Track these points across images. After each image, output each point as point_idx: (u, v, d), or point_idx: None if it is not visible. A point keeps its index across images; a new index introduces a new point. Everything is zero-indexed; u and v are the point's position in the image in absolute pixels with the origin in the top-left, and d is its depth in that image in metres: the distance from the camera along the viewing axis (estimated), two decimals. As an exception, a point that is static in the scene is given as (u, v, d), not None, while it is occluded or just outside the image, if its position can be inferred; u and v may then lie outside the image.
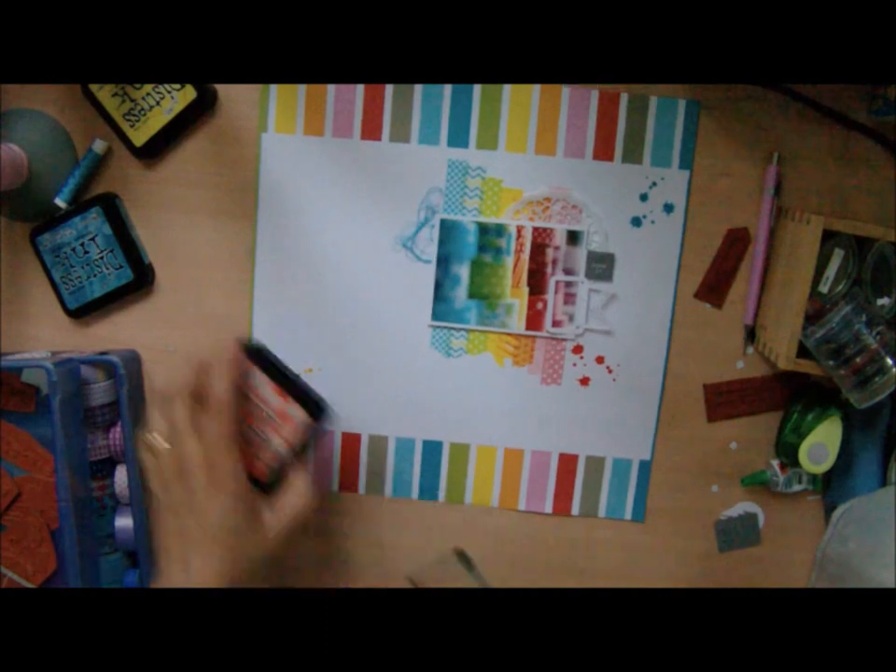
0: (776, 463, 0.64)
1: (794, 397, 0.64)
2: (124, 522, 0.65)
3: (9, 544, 0.65)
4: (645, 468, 0.66)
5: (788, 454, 0.63)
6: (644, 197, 0.63)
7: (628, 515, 0.67)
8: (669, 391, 0.65)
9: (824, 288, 0.58)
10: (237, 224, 0.65)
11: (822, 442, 0.61)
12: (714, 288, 0.63)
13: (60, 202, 0.64)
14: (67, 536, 0.60)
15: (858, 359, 0.56)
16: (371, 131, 0.63)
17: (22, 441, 0.65)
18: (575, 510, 0.67)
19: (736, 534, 0.66)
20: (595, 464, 0.66)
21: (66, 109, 0.64)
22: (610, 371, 0.65)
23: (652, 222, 0.63)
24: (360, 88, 0.63)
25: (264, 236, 0.65)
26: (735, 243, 0.62)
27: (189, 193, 0.64)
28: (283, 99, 0.63)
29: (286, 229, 0.65)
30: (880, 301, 0.58)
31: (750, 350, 0.64)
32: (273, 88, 0.63)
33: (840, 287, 0.58)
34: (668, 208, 0.63)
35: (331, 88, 0.63)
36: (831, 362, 0.57)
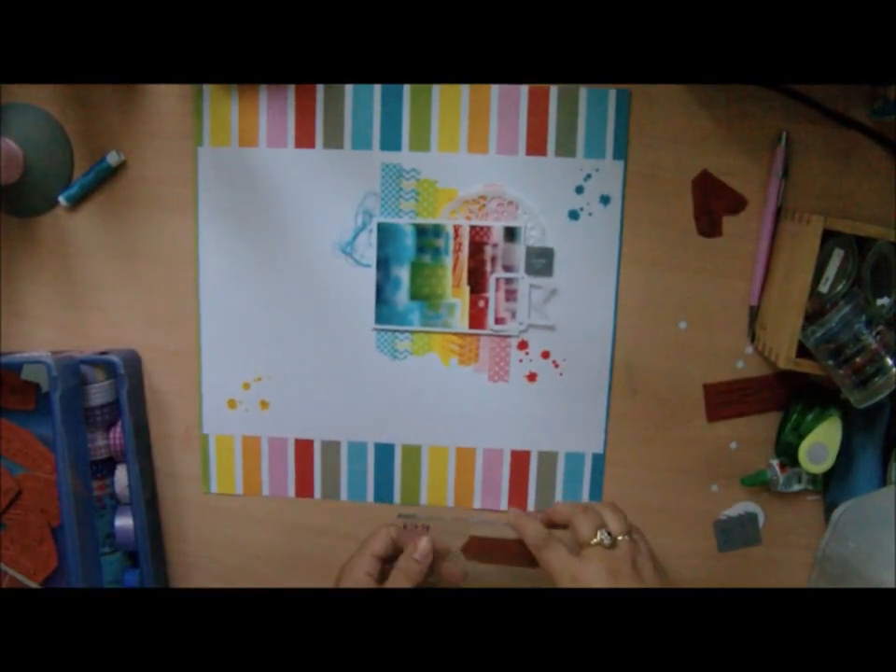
0: (775, 463, 0.64)
1: (794, 397, 0.64)
2: (124, 522, 0.65)
3: (10, 542, 0.66)
4: (598, 461, 0.66)
5: (788, 453, 0.63)
6: (580, 189, 0.63)
7: None
8: (668, 391, 0.65)
9: (824, 288, 0.58)
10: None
11: (822, 442, 0.61)
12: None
13: (63, 200, 0.64)
14: (68, 532, 0.60)
15: (858, 359, 0.56)
16: (305, 139, 0.64)
17: (23, 439, 0.65)
18: (530, 505, 0.67)
19: (736, 534, 0.66)
20: (548, 459, 0.66)
21: (64, 106, 0.64)
22: (557, 366, 0.65)
23: (590, 214, 0.63)
24: (291, 97, 0.63)
25: (206, 247, 0.65)
26: (707, 189, 0.62)
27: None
28: (216, 112, 0.64)
29: (227, 240, 0.65)
30: (880, 301, 0.58)
31: (750, 350, 0.64)
32: (206, 102, 0.63)
33: (840, 287, 0.58)
34: (605, 200, 0.63)
35: (263, 98, 0.63)
36: (830, 362, 0.57)
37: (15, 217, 0.66)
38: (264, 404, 0.67)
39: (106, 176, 0.65)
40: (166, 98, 0.64)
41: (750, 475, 0.65)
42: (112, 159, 0.64)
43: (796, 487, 0.64)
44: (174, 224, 0.65)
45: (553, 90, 0.62)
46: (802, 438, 0.61)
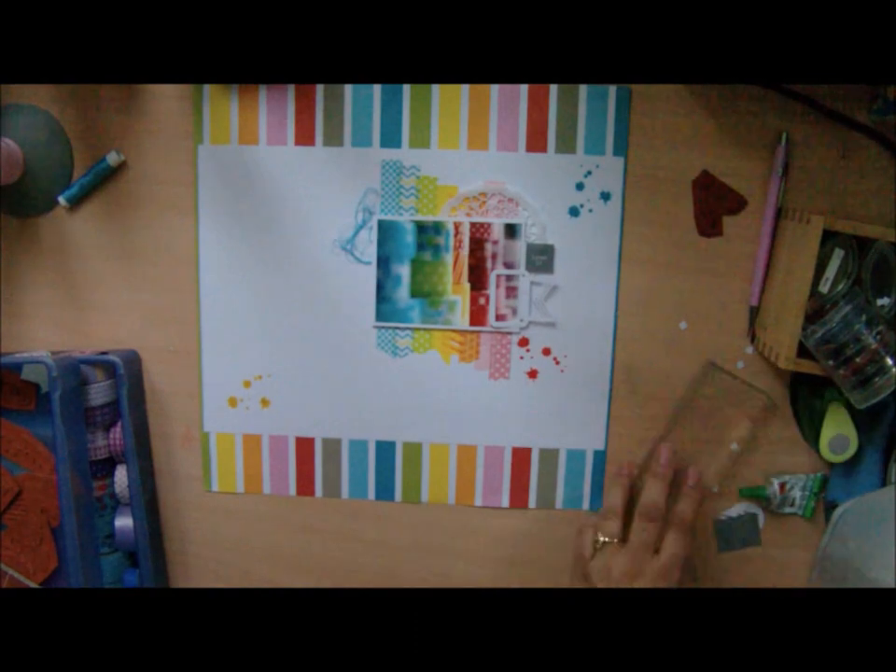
0: (777, 482, 0.64)
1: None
2: (124, 522, 0.65)
3: (10, 542, 0.66)
4: (600, 457, 0.66)
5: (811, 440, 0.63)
6: (580, 186, 0.63)
7: (586, 506, 0.67)
8: (668, 390, 0.65)
9: (824, 288, 0.58)
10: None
11: (842, 434, 0.60)
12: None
13: (63, 200, 0.64)
14: (68, 532, 0.60)
15: (858, 359, 0.56)
16: (305, 136, 0.64)
17: (23, 440, 0.65)
18: (532, 503, 0.67)
19: (736, 534, 0.66)
20: (549, 456, 0.66)
21: (64, 106, 0.64)
22: (558, 363, 0.65)
23: (590, 211, 0.63)
24: (291, 94, 0.63)
25: (206, 245, 0.65)
26: (706, 189, 0.62)
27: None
28: (216, 110, 0.64)
29: (226, 238, 0.65)
30: (880, 301, 0.58)
31: (750, 350, 0.64)
32: (206, 100, 0.63)
33: (840, 287, 0.58)
34: (605, 196, 0.63)
35: (263, 96, 0.63)
36: (831, 362, 0.57)
37: (15, 217, 0.66)
38: (265, 402, 0.67)
39: (106, 176, 0.65)
40: (166, 98, 0.64)
41: (750, 488, 0.65)
42: (112, 159, 0.64)
43: (787, 510, 0.64)
44: (174, 224, 0.65)
45: (553, 86, 0.62)
46: (817, 423, 0.61)
